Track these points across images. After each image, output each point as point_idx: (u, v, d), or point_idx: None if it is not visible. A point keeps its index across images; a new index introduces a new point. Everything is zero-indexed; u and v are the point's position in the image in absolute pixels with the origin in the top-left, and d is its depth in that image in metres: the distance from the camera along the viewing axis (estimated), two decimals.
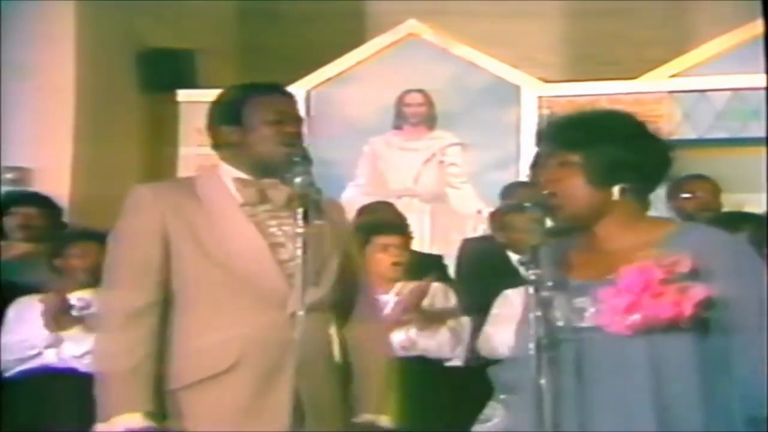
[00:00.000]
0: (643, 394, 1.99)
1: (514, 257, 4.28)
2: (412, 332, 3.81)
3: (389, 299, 3.87)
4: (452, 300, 3.94)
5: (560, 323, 2.05)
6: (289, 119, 2.50)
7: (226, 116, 2.51)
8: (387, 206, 4.99)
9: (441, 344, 3.84)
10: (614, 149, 2.13)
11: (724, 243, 2.11)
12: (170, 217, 2.40)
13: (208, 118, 2.56)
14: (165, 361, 2.36)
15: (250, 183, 2.47)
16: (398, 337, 3.76)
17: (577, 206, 2.13)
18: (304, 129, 2.54)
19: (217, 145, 2.54)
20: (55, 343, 3.76)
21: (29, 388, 3.76)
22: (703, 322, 1.98)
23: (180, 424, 2.33)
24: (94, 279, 3.80)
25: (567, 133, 2.16)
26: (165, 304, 2.39)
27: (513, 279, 3.83)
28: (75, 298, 3.82)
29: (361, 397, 2.52)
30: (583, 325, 2.05)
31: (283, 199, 2.44)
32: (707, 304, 1.97)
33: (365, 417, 2.50)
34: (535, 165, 2.20)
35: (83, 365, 3.63)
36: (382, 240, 3.88)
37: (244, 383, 2.32)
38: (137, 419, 2.25)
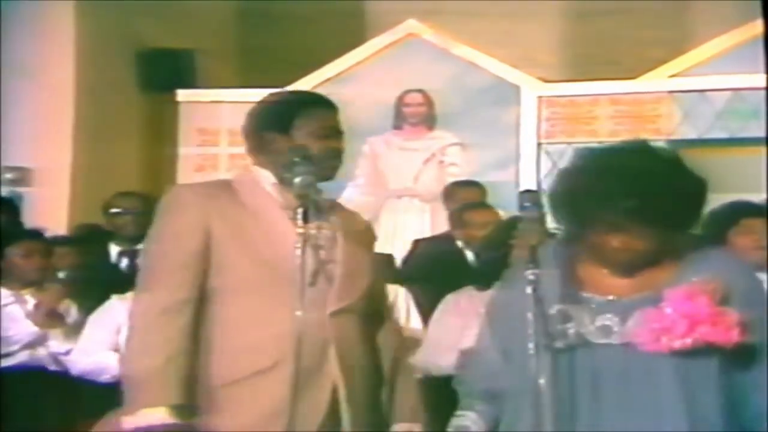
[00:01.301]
0: (672, 408, 2.02)
1: (470, 256, 4.26)
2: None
3: None
4: (401, 304, 3.92)
5: (581, 337, 2.07)
6: (334, 134, 2.58)
7: (275, 124, 2.52)
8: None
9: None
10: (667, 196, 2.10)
11: (740, 268, 2.16)
12: (214, 217, 2.42)
13: (251, 122, 2.56)
14: (206, 358, 2.37)
15: (289, 189, 2.49)
16: None
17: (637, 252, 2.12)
18: (344, 141, 2.60)
19: (253, 150, 2.55)
20: (41, 340, 3.84)
21: (18, 386, 3.81)
22: (744, 346, 2.02)
23: (221, 420, 2.34)
24: (40, 278, 3.90)
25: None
26: (202, 302, 2.40)
27: (466, 277, 3.78)
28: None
29: (396, 405, 2.53)
30: (608, 341, 2.07)
31: (321, 204, 2.48)
32: (745, 328, 2.01)
33: (401, 426, 2.51)
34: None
35: (66, 362, 3.78)
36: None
37: (285, 381, 2.32)
38: (162, 413, 2.25)
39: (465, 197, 4.96)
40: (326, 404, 2.34)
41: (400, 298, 3.93)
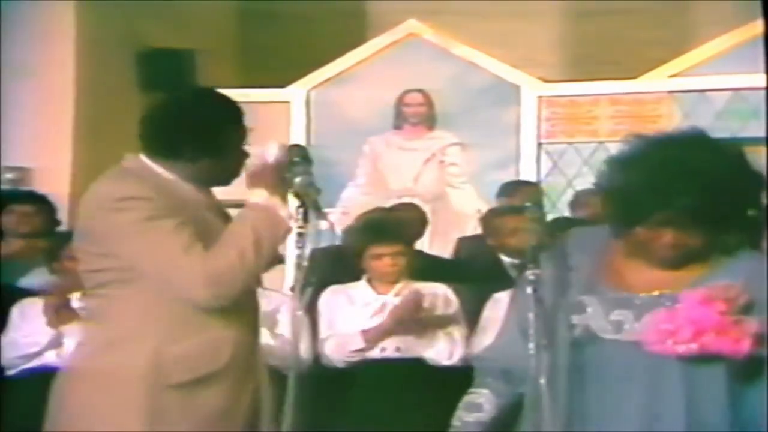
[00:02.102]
0: (672, 412, 2.00)
1: (506, 260, 4.28)
2: (410, 338, 3.82)
3: (388, 300, 3.88)
4: (452, 305, 3.94)
5: (589, 331, 2.06)
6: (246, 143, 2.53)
7: (195, 134, 2.50)
8: (385, 213, 4.96)
9: (438, 351, 3.84)
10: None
11: (751, 286, 2.04)
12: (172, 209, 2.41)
13: (159, 123, 2.65)
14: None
15: (203, 191, 2.49)
16: (394, 341, 3.80)
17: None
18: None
19: (163, 154, 2.56)
20: (57, 342, 3.81)
21: (31, 387, 3.78)
22: (755, 357, 1.97)
23: (168, 421, 2.33)
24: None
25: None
26: None
27: (505, 282, 3.85)
28: (75, 299, 3.84)
29: None
30: (617, 338, 2.05)
31: (221, 209, 2.53)
32: (761, 339, 1.96)
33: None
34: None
35: None
36: (374, 250, 3.91)
37: (230, 382, 2.37)
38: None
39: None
40: (259, 405, 2.42)
41: (443, 300, 3.96)
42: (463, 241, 5.02)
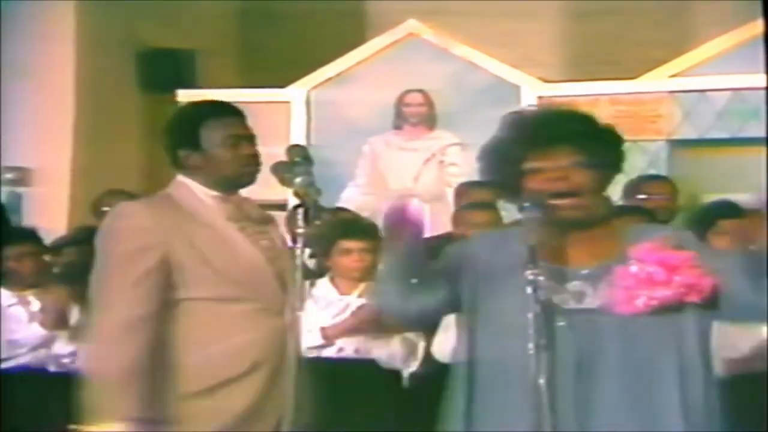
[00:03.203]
0: (661, 368, 2.04)
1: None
2: (366, 340, 3.82)
3: (351, 300, 3.87)
4: None
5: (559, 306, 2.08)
6: (244, 140, 2.57)
7: (183, 141, 2.57)
8: (349, 211, 4.97)
9: (392, 355, 3.83)
10: (613, 148, 2.19)
11: (685, 234, 2.22)
12: (170, 232, 2.45)
13: (164, 141, 2.61)
14: (174, 368, 2.41)
15: (226, 199, 2.54)
16: (352, 342, 3.80)
17: (589, 208, 2.14)
18: (258, 146, 2.60)
19: (176, 166, 2.61)
20: (47, 343, 3.84)
21: (25, 386, 3.81)
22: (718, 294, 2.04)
23: (191, 427, 2.38)
24: (36, 281, 3.90)
25: (570, 132, 2.16)
26: (165, 314, 2.43)
27: None
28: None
29: None
30: (582, 306, 2.08)
31: (257, 213, 2.55)
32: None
33: None
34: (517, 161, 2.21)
35: (70, 364, 3.81)
36: (344, 244, 3.88)
37: (256, 386, 2.42)
38: (122, 427, 2.29)
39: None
40: (292, 405, 2.44)
41: None
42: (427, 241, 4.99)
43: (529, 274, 2.01)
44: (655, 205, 4.56)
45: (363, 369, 3.79)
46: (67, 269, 4.23)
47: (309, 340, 3.77)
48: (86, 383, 2.39)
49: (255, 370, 2.41)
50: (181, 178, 2.60)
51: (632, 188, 4.84)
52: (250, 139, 2.59)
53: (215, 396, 2.39)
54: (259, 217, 2.59)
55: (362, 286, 3.88)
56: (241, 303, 2.44)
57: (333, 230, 3.95)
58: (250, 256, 2.47)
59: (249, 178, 2.56)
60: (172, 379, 2.40)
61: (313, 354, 3.75)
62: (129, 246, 2.44)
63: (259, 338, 2.43)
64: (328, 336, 3.79)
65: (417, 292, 2.17)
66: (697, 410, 2.04)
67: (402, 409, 3.78)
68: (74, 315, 3.96)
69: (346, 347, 3.80)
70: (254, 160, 2.56)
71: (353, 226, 4.09)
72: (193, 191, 2.55)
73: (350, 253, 3.86)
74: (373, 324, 3.73)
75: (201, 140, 2.53)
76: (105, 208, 4.55)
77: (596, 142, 2.17)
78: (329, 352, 3.81)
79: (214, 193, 2.54)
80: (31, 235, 4.14)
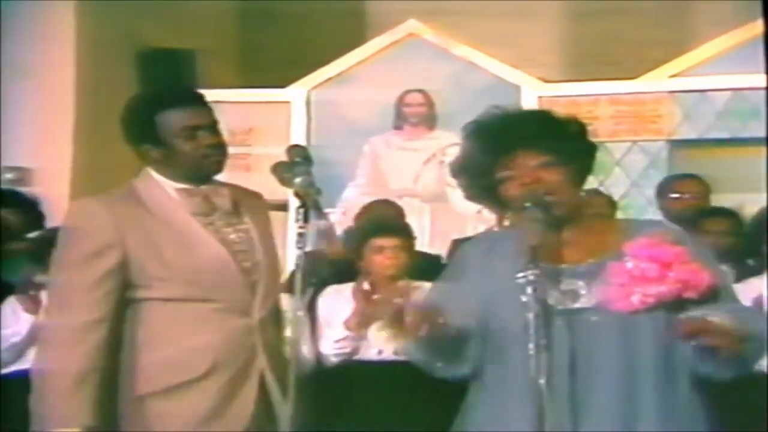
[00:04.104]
0: (648, 367, 2.04)
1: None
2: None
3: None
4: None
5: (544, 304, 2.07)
6: (202, 129, 2.47)
7: (141, 136, 2.49)
8: (388, 206, 4.95)
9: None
10: (586, 148, 2.20)
11: (680, 230, 2.21)
12: (127, 231, 2.39)
13: (124, 136, 2.52)
14: (132, 368, 2.37)
15: (193, 192, 2.47)
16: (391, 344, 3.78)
17: (571, 204, 2.15)
18: (221, 131, 2.51)
19: (141, 159, 2.53)
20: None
21: (16, 386, 3.81)
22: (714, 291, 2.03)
23: (145, 429, 2.35)
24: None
25: (530, 134, 2.16)
26: (122, 314, 2.38)
27: None
28: None
29: None
30: (576, 306, 2.07)
31: (229, 204, 2.46)
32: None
33: None
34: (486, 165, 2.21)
35: None
36: (377, 242, 3.87)
37: (214, 388, 2.36)
38: None
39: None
40: (254, 408, 2.37)
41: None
42: (458, 243, 5.01)
43: (529, 274, 2.00)
44: (686, 205, 4.55)
45: (403, 370, 3.76)
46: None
47: (333, 334, 3.80)
48: (37, 388, 2.33)
49: (214, 372, 2.34)
50: (148, 169, 2.53)
51: (664, 187, 4.83)
52: (210, 127, 2.49)
53: (172, 398, 2.34)
54: (232, 209, 2.49)
55: (400, 284, 3.80)
56: (201, 303, 2.37)
57: (364, 229, 3.94)
58: (214, 252, 2.39)
59: (214, 167, 2.47)
60: (129, 380, 2.36)
61: (346, 348, 3.78)
62: (84, 248, 2.37)
63: (220, 339, 2.36)
64: (350, 327, 3.79)
65: (444, 368, 2.20)
66: (686, 410, 2.04)
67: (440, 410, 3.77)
68: None
69: (385, 349, 3.74)
70: (215, 150, 2.47)
71: (385, 224, 4.07)
72: (159, 184, 2.48)
73: (383, 250, 3.84)
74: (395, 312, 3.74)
75: (158, 133, 2.44)
76: None
77: (558, 139, 2.16)
78: (370, 355, 3.80)
79: (180, 185, 2.46)
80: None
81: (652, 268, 1.99)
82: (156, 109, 2.46)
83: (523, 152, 2.15)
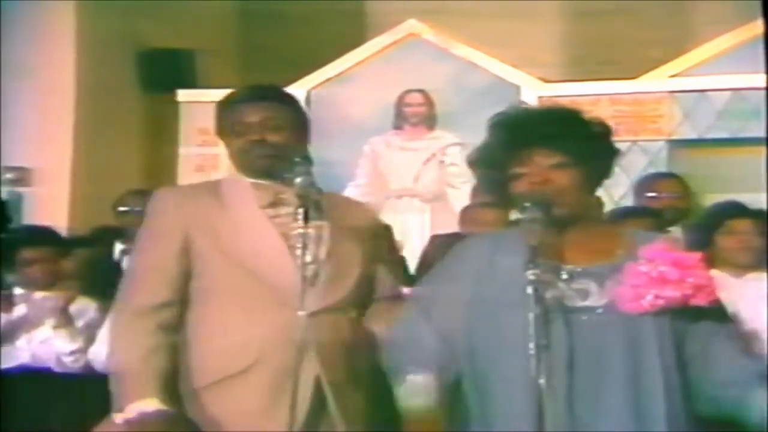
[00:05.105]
0: (651, 371, 2.05)
1: None
2: None
3: None
4: None
5: (557, 301, 2.08)
6: (252, 127, 2.50)
7: (216, 130, 2.58)
8: None
9: None
10: (606, 150, 2.20)
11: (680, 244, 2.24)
12: (193, 220, 2.43)
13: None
14: (188, 360, 2.39)
15: (264, 187, 2.50)
16: None
17: (576, 207, 2.15)
18: (282, 129, 2.52)
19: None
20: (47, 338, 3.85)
21: (26, 386, 3.82)
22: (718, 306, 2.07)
23: (201, 423, 2.34)
24: (48, 283, 3.89)
25: (549, 134, 2.16)
26: (182, 305, 2.42)
27: None
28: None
29: None
30: (586, 304, 2.07)
31: (296, 202, 2.45)
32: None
33: None
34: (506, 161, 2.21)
35: (71, 363, 3.82)
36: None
37: (262, 383, 2.34)
38: (151, 403, 2.27)
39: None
40: (307, 405, 2.33)
41: None
42: (436, 239, 4.99)
43: (530, 274, 2.01)
44: (665, 205, 4.52)
45: None
46: (82, 268, 4.22)
47: None
48: (112, 369, 2.39)
49: (259, 365, 2.33)
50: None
51: (642, 186, 4.81)
52: (261, 124, 2.49)
53: (223, 391, 2.34)
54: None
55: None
56: (254, 295, 2.38)
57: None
58: (270, 241, 2.40)
59: (260, 164, 2.48)
60: (185, 372, 2.38)
61: None
62: (150, 231, 2.48)
63: (268, 333, 2.34)
64: None
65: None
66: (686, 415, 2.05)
67: None
68: (89, 313, 3.94)
69: None
70: (260, 147, 2.48)
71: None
72: (238, 178, 2.55)
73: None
74: None
75: (224, 127, 2.55)
76: (124, 208, 4.65)
77: (577, 141, 2.16)
78: None
79: (249, 180, 2.52)
80: (46, 238, 4.07)
81: (673, 272, 2.00)
82: (224, 105, 2.56)
83: (539, 150, 2.15)
